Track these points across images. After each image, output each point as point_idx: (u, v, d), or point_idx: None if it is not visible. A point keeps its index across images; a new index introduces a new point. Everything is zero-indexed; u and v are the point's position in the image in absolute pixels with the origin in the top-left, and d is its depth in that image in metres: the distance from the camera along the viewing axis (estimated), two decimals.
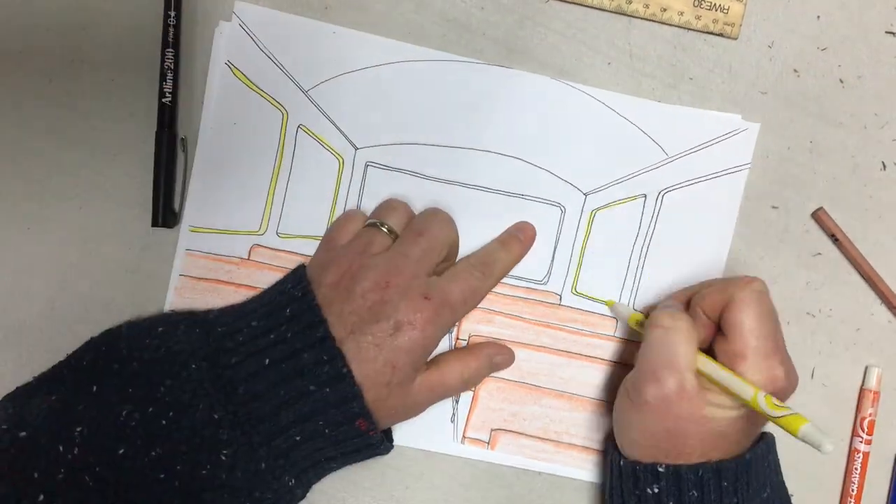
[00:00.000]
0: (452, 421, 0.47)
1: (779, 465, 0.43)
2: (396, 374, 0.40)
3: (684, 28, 0.48)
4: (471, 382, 0.45)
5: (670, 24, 0.48)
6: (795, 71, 0.48)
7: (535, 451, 0.47)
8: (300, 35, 0.47)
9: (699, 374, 0.41)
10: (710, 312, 0.43)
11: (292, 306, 0.41)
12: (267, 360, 0.39)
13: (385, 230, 0.44)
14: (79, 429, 0.38)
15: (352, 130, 0.47)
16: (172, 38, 0.46)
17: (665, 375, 0.40)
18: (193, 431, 0.38)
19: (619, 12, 0.48)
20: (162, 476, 0.38)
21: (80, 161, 0.47)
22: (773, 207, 0.48)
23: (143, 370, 0.40)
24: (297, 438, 0.39)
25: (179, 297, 0.47)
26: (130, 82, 0.47)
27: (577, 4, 0.48)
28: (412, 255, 0.42)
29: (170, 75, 0.46)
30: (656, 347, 0.41)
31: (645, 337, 0.43)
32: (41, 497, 0.37)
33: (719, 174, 0.48)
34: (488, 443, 0.47)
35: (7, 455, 0.38)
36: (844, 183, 0.48)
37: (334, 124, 0.47)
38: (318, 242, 0.47)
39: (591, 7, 0.48)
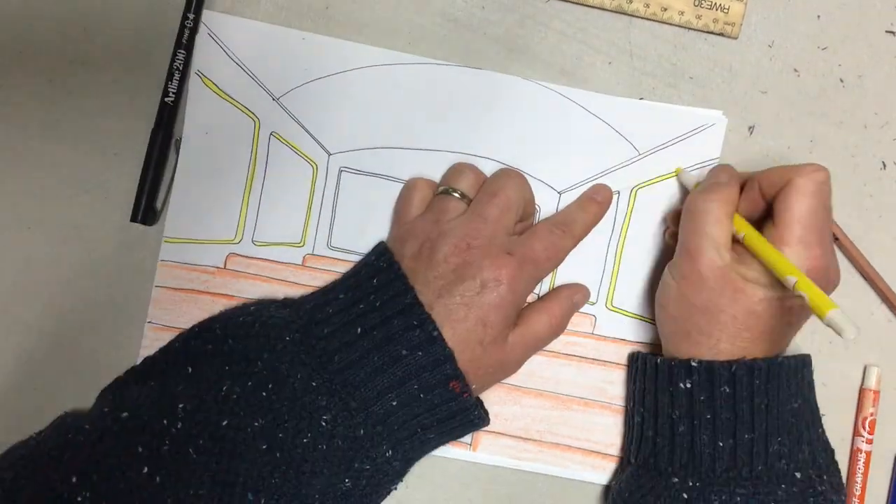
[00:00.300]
0: None
1: (813, 385, 0.43)
2: (489, 331, 0.41)
3: (685, 27, 0.48)
4: (559, 328, 0.45)
5: (671, 24, 0.48)
6: (796, 70, 0.48)
7: (518, 452, 0.47)
8: (270, 42, 0.47)
9: (740, 245, 0.41)
10: (766, 190, 0.42)
11: (379, 277, 0.42)
12: (359, 329, 0.40)
13: (457, 196, 0.44)
14: (181, 405, 0.38)
15: (324, 136, 0.47)
16: (187, 40, 0.46)
17: (699, 251, 0.41)
18: (293, 400, 0.39)
19: (620, 12, 0.48)
20: (265, 447, 0.38)
21: (80, 161, 0.47)
22: None
23: (238, 347, 0.40)
24: (394, 403, 0.40)
25: (156, 308, 0.47)
26: (131, 82, 0.47)
27: (578, 4, 0.48)
28: (489, 215, 0.42)
29: (177, 76, 0.46)
30: (691, 225, 0.42)
31: (682, 218, 0.43)
32: (145, 469, 0.37)
33: (689, 169, 0.48)
34: (470, 444, 0.47)
35: (110, 434, 0.38)
36: (844, 183, 0.48)
37: (306, 130, 0.47)
38: (292, 250, 0.47)
39: (592, 6, 0.48)
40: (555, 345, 0.47)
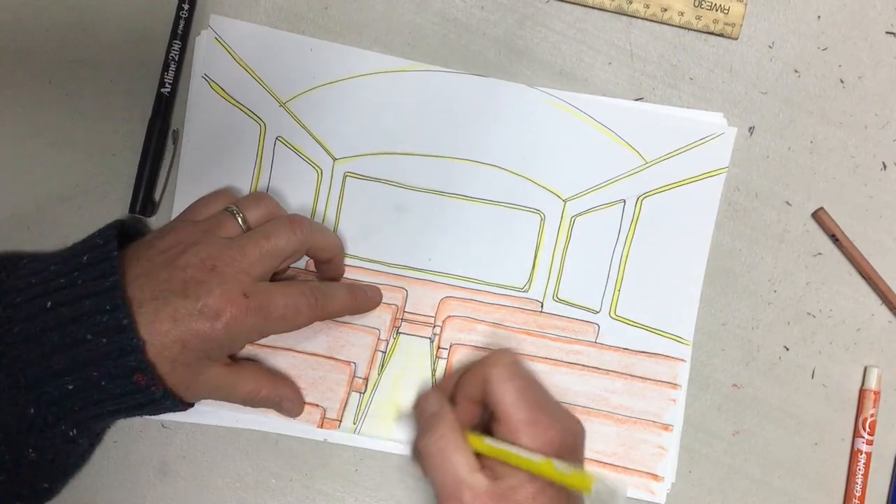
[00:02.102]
0: None
1: None
2: (184, 354, 0.39)
3: (685, 28, 0.48)
4: (253, 404, 0.44)
5: (671, 25, 0.48)
6: (796, 71, 0.48)
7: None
8: (276, 47, 0.47)
9: (488, 457, 0.39)
10: (475, 397, 0.41)
11: (91, 254, 0.40)
12: (48, 303, 0.38)
13: (239, 219, 0.42)
14: None
15: (330, 141, 0.47)
16: (182, 31, 0.46)
17: (454, 495, 0.38)
18: None
19: (620, 12, 0.48)
20: None
21: (79, 161, 0.47)
22: (774, 207, 0.48)
23: None
24: (70, 388, 0.38)
25: None
26: (130, 82, 0.47)
27: (578, 4, 0.48)
28: (249, 253, 0.41)
29: (173, 66, 0.46)
30: (432, 472, 0.40)
31: (423, 467, 0.41)
32: None
33: (696, 179, 0.48)
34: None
35: None
36: (845, 183, 0.48)
37: (312, 135, 0.47)
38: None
39: (592, 7, 0.48)
40: (557, 352, 0.47)
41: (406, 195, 0.47)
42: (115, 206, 0.47)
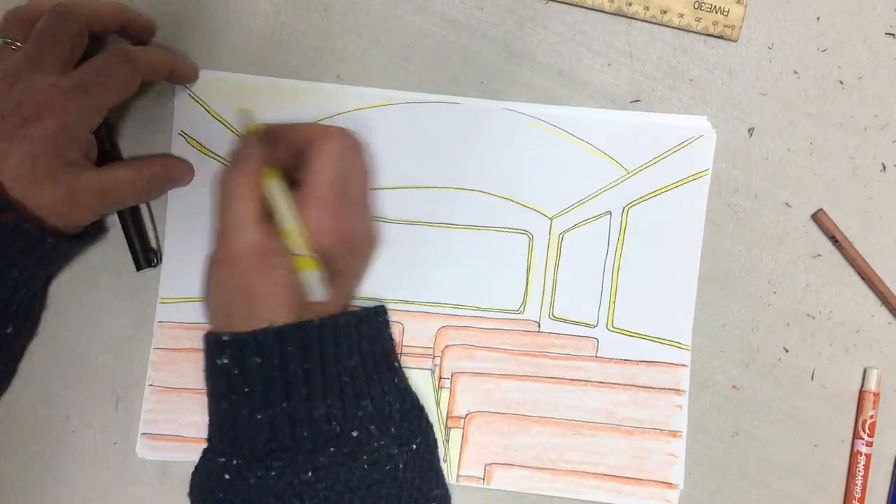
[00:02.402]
0: (445, 460, 0.47)
1: (379, 337, 0.43)
2: (39, 165, 0.39)
3: (684, 30, 0.48)
4: (144, 192, 0.45)
5: (670, 27, 0.48)
6: (795, 72, 0.48)
7: (533, 482, 0.47)
8: (249, 93, 0.47)
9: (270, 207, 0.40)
10: (294, 144, 0.42)
11: None
12: None
13: (14, 45, 0.42)
14: None
15: None
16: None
17: (227, 232, 0.39)
18: None
19: (619, 14, 0.48)
20: None
21: None
22: (773, 209, 0.48)
23: None
24: None
25: (156, 370, 0.47)
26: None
27: (577, 6, 0.48)
28: (30, 53, 0.41)
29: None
30: (219, 201, 0.40)
31: (214, 185, 0.41)
32: None
33: (680, 183, 0.48)
34: (483, 478, 0.47)
35: None
36: (844, 184, 0.48)
37: None
38: None
39: (591, 9, 0.48)
40: (559, 370, 0.47)
41: (392, 229, 0.47)
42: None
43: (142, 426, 0.47)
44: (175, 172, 0.46)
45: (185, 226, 0.47)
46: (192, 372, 0.47)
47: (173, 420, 0.47)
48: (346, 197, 0.41)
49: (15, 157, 0.39)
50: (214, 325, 0.40)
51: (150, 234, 0.48)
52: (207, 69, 0.48)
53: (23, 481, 0.47)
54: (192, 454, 0.45)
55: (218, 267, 0.40)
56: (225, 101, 0.48)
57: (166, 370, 0.47)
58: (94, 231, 0.46)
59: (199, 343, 0.44)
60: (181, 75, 0.47)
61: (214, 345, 0.39)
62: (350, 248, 0.41)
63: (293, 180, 0.41)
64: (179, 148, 0.47)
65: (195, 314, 0.47)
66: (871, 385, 0.47)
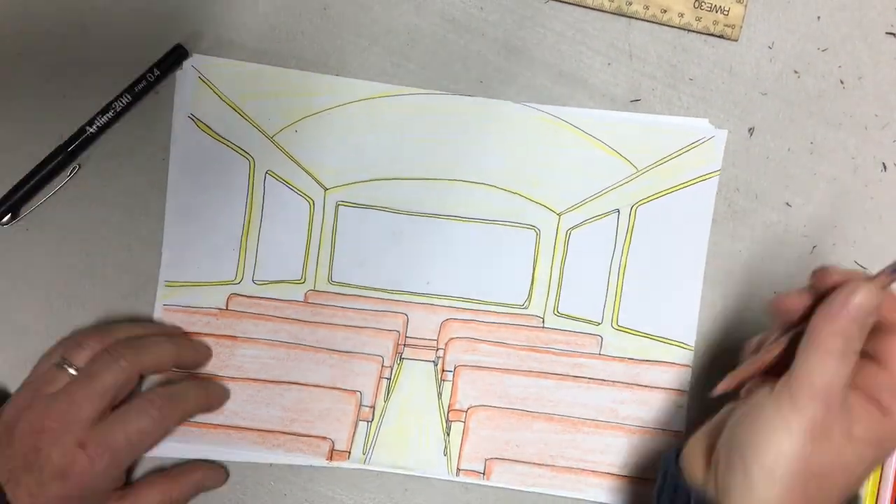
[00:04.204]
0: (445, 454, 0.47)
1: None
2: None
3: (685, 29, 0.48)
4: None
5: (670, 26, 0.48)
6: (796, 72, 0.48)
7: (532, 478, 0.47)
8: (260, 81, 0.47)
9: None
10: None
11: None
12: None
13: (68, 369, 0.42)
14: None
15: (320, 171, 0.47)
16: (140, 89, 0.46)
17: (806, 405, 0.32)
18: None
19: (619, 13, 0.48)
20: None
21: (78, 161, 0.47)
22: (774, 208, 0.48)
23: None
24: None
25: None
26: (129, 84, 0.47)
27: (577, 5, 0.48)
28: (76, 398, 0.41)
29: (111, 114, 0.46)
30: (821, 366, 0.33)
31: (807, 349, 0.34)
32: None
33: (689, 183, 0.48)
34: (483, 473, 0.47)
35: None
36: (845, 184, 0.48)
37: (301, 167, 0.47)
38: (294, 287, 0.47)
39: (591, 8, 0.48)
40: (562, 367, 0.47)
41: (399, 220, 0.47)
42: (115, 206, 0.47)
43: None
44: (209, 482, 0.45)
45: (192, 211, 0.47)
46: None
47: None
48: None
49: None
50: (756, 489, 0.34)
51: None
52: (219, 57, 0.48)
53: None
54: (191, 442, 0.46)
55: (825, 442, 0.33)
56: (235, 87, 0.47)
57: None
58: None
59: (202, 327, 0.46)
60: (188, 364, 0.46)
61: None
62: None
63: None
64: (189, 131, 0.47)
65: (199, 298, 0.47)
66: None
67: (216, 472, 0.46)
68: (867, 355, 0.34)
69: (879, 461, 0.34)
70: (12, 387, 0.45)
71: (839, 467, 0.33)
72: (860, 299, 0.33)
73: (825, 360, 0.33)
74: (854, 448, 0.33)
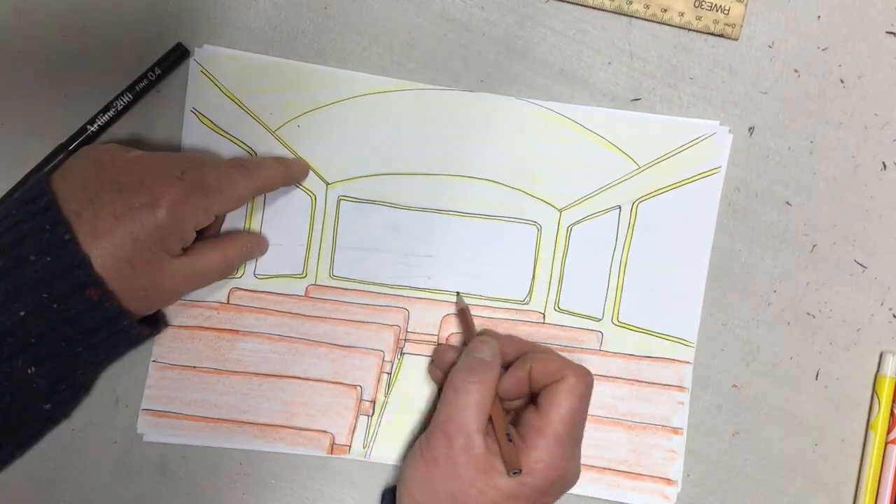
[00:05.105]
0: None
1: None
2: (138, 250, 0.38)
3: (685, 29, 0.48)
4: (228, 270, 0.44)
5: (671, 25, 0.48)
6: (796, 71, 0.48)
7: None
8: (263, 74, 0.47)
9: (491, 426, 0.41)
10: (536, 377, 0.42)
11: (30, 188, 0.40)
12: None
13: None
14: None
15: (322, 166, 0.48)
16: (140, 88, 0.46)
17: (454, 435, 0.40)
18: None
19: (620, 13, 0.48)
20: None
21: None
22: (774, 208, 0.48)
23: None
24: (22, 314, 0.37)
25: (160, 346, 0.47)
26: (130, 83, 0.47)
27: (578, 4, 0.48)
28: (171, 152, 0.42)
29: (111, 113, 0.46)
30: (450, 403, 0.41)
31: (443, 391, 0.42)
32: None
33: (691, 180, 0.48)
34: None
35: None
36: (845, 183, 0.48)
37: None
38: (295, 281, 0.47)
39: (592, 7, 0.48)
40: None
41: (401, 215, 0.48)
42: None
43: (144, 402, 0.46)
44: (254, 248, 0.46)
45: None
46: (195, 350, 0.47)
47: (175, 397, 0.47)
48: (577, 436, 0.42)
49: (118, 236, 0.38)
50: None
51: None
52: (221, 46, 0.48)
53: (23, 480, 0.46)
54: (192, 434, 0.46)
55: (433, 465, 0.40)
56: (238, 81, 0.47)
57: (170, 347, 0.47)
58: (162, 321, 0.46)
59: (203, 321, 0.46)
60: (294, 179, 0.47)
61: None
62: (562, 486, 0.42)
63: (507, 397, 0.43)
64: (192, 125, 0.47)
65: (200, 292, 0.47)
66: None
67: (260, 240, 0.47)
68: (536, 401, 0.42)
69: (538, 490, 0.40)
70: None
71: (475, 491, 0.39)
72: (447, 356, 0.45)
73: (450, 405, 0.41)
74: (490, 479, 0.39)
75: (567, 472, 0.41)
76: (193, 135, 0.47)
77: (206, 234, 0.45)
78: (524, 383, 0.42)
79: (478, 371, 0.42)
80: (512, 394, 0.43)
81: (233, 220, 0.47)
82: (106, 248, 0.38)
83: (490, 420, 0.41)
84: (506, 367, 0.43)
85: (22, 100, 0.47)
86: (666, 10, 0.47)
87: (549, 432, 0.40)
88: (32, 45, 0.47)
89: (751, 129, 0.48)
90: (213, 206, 0.41)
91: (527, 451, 0.40)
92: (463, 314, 0.46)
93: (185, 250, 0.42)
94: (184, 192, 0.39)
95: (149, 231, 0.39)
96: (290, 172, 0.46)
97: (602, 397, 0.47)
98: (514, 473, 0.39)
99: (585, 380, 0.41)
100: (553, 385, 0.41)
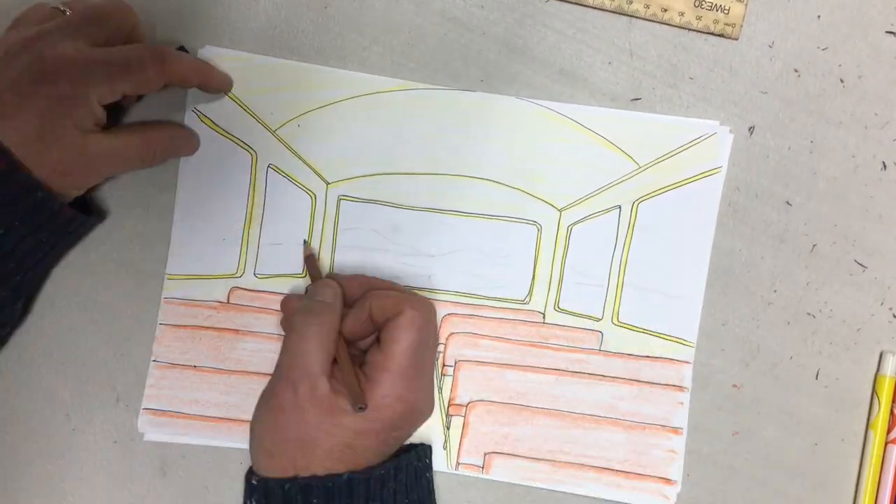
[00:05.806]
0: (445, 448, 0.47)
1: (419, 484, 0.43)
2: (47, 124, 0.39)
3: (685, 28, 0.48)
4: (150, 159, 0.44)
5: (671, 25, 0.48)
6: (796, 71, 0.48)
7: (531, 472, 0.47)
8: (264, 74, 0.47)
9: (337, 371, 0.41)
10: (376, 314, 0.42)
11: None
12: None
13: (63, 10, 0.43)
14: None
15: (322, 166, 0.48)
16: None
17: (297, 380, 0.40)
18: None
19: (620, 12, 0.48)
20: None
21: None
22: (774, 207, 0.48)
23: None
24: None
25: (160, 345, 0.47)
26: None
27: (578, 4, 0.48)
28: (73, 21, 0.41)
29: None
30: (291, 347, 0.41)
31: (284, 337, 0.43)
32: None
33: (692, 180, 0.48)
34: (482, 467, 0.47)
35: None
36: (844, 183, 0.48)
37: (304, 161, 0.48)
38: (295, 281, 0.47)
39: (592, 7, 0.48)
40: (562, 362, 0.47)
41: (401, 215, 0.48)
42: (115, 207, 0.47)
43: (144, 401, 0.47)
44: (181, 143, 0.46)
45: (195, 203, 0.47)
46: (195, 349, 0.47)
47: (175, 396, 0.47)
48: (420, 368, 0.42)
49: (23, 111, 0.39)
50: (258, 465, 0.41)
51: None
52: (222, 47, 0.48)
53: (23, 479, 0.46)
54: (192, 433, 0.46)
55: (280, 413, 0.40)
56: (239, 80, 0.47)
57: (170, 346, 0.47)
58: (96, 211, 0.46)
59: (203, 320, 0.46)
60: (213, 86, 0.46)
61: (246, 486, 0.41)
62: (414, 418, 0.42)
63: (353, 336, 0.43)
64: (192, 125, 0.47)
65: (200, 291, 0.47)
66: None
67: (190, 135, 0.46)
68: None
69: (387, 424, 0.41)
70: (14, 386, 0.46)
71: (323, 433, 0.39)
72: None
73: (293, 350, 0.41)
74: (336, 419, 0.39)
75: (415, 405, 0.41)
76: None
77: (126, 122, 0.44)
78: (367, 322, 0.42)
79: (319, 313, 0.42)
80: (357, 334, 0.43)
81: (232, 217, 0.47)
82: (10, 124, 0.39)
83: (335, 362, 0.41)
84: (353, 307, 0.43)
85: None
86: (666, 10, 0.47)
87: (391, 366, 0.40)
88: None
89: (751, 129, 0.48)
90: (117, 86, 0.41)
91: (372, 388, 0.40)
92: (309, 260, 0.46)
93: (104, 130, 0.42)
94: (84, 64, 0.39)
95: (52, 104, 0.39)
96: (212, 76, 0.46)
97: (602, 397, 0.47)
98: (360, 409, 0.39)
99: (423, 311, 0.42)
100: (392, 320, 0.41)
